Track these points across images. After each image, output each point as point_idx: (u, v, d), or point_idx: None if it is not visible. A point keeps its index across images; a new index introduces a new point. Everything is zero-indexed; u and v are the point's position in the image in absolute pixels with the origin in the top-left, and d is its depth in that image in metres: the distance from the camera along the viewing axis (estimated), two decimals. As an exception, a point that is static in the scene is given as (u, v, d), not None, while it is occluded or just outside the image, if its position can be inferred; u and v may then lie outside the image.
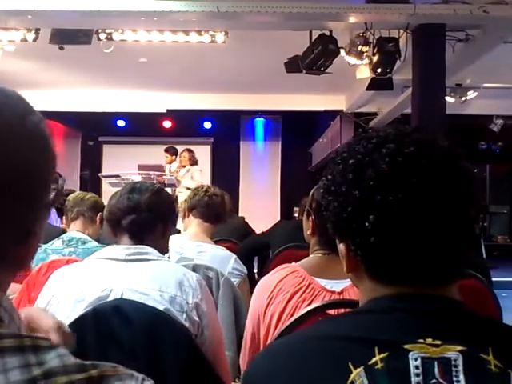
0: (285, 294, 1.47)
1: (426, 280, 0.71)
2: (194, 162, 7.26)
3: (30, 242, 0.57)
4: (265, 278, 1.57)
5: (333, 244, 1.60)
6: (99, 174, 7.58)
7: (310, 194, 1.67)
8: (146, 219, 1.59)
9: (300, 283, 1.48)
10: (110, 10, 4.56)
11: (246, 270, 2.68)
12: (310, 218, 1.62)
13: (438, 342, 0.64)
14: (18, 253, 0.56)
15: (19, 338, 0.50)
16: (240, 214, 7.32)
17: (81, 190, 6.75)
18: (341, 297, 1.47)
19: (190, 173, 7.07)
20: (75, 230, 2.70)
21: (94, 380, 0.49)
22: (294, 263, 1.58)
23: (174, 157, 7.48)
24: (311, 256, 1.60)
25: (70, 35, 5.02)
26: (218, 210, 2.68)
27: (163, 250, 1.65)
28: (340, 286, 1.49)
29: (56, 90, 8.23)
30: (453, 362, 0.63)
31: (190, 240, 2.60)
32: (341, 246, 0.77)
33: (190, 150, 7.35)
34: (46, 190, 0.57)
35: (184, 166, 7.18)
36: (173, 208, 1.77)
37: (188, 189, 6.05)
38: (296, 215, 6.68)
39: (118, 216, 1.61)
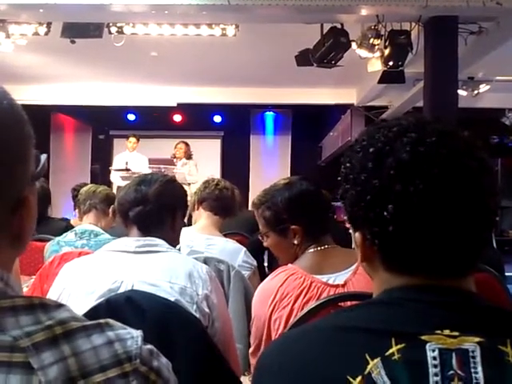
0: (289, 297, 1.46)
1: (444, 271, 0.70)
2: (189, 155, 7.23)
3: (25, 211, 0.61)
4: (263, 285, 1.57)
5: (323, 236, 1.60)
6: (110, 168, 7.61)
7: (269, 210, 1.64)
8: (153, 211, 1.59)
9: (302, 284, 1.48)
10: (121, 3, 4.57)
11: (255, 263, 2.69)
12: (292, 228, 1.60)
13: (456, 334, 0.64)
14: (15, 221, 0.60)
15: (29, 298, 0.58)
16: (250, 208, 7.32)
17: (92, 183, 6.78)
18: (345, 289, 1.47)
19: (188, 167, 7.06)
20: (88, 223, 2.72)
21: (102, 324, 0.60)
22: (289, 265, 1.57)
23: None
24: (305, 254, 1.60)
25: (81, 29, 5.03)
26: (228, 204, 2.69)
27: (173, 241, 1.65)
28: (342, 278, 1.49)
29: (67, 84, 8.26)
30: (470, 354, 0.63)
31: (200, 233, 2.60)
32: (356, 235, 0.76)
33: (186, 143, 7.31)
34: (26, 162, 0.61)
35: (180, 158, 7.13)
36: (183, 200, 1.76)
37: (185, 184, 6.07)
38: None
39: (126, 207, 1.61)
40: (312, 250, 1.58)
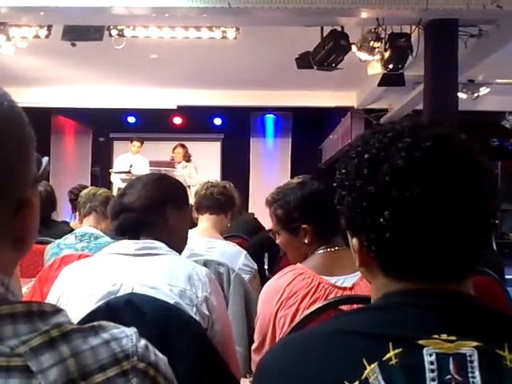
0: (296, 296, 1.46)
1: (441, 276, 0.70)
2: (188, 158, 7.21)
3: (27, 212, 0.61)
4: (271, 283, 1.57)
5: (333, 237, 1.60)
6: (110, 170, 7.61)
7: (281, 209, 1.64)
8: (131, 219, 1.55)
9: (309, 284, 1.48)
10: (121, 6, 4.58)
11: (256, 266, 2.69)
12: (302, 227, 1.60)
13: (453, 338, 0.64)
14: (17, 223, 0.60)
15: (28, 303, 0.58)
16: (250, 211, 7.32)
17: (92, 186, 6.77)
18: (352, 292, 1.46)
19: (188, 169, 7.06)
20: (88, 226, 2.73)
21: (95, 327, 0.60)
22: (298, 264, 1.58)
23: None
24: (315, 254, 1.60)
25: (81, 32, 5.04)
26: (219, 199, 2.70)
27: (176, 244, 1.60)
28: (350, 280, 1.49)
29: (67, 87, 8.27)
30: (468, 358, 0.63)
31: (200, 236, 2.61)
32: (354, 241, 0.76)
33: (183, 146, 7.28)
34: (28, 163, 0.62)
35: (179, 162, 7.13)
36: (174, 192, 1.66)
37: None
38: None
39: (112, 216, 1.61)
40: (322, 250, 1.58)
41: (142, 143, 7.50)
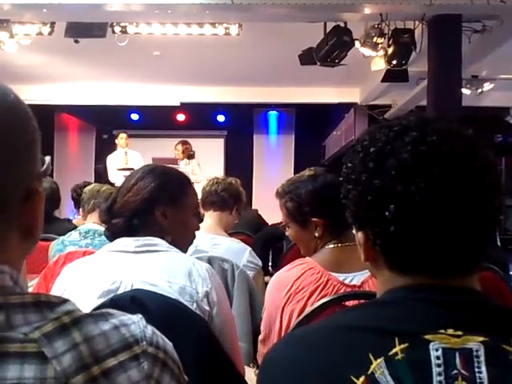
0: (304, 292, 1.46)
1: (447, 271, 0.70)
2: (189, 155, 7.13)
3: (37, 200, 0.62)
4: (280, 275, 1.56)
5: (344, 232, 1.58)
6: (117, 169, 7.61)
7: (292, 202, 1.62)
8: (123, 225, 1.53)
9: (318, 280, 1.47)
10: (124, 3, 4.58)
11: (260, 263, 2.69)
12: (313, 221, 1.59)
13: (460, 333, 0.64)
14: (26, 212, 0.60)
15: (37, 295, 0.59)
16: (253, 207, 7.32)
17: (95, 183, 6.74)
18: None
19: (191, 166, 7.03)
20: (92, 222, 2.73)
21: (104, 313, 0.61)
22: (308, 258, 1.57)
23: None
24: (324, 248, 1.59)
25: (84, 28, 5.04)
26: (223, 196, 2.70)
27: (179, 240, 1.57)
28: (359, 278, 1.48)
29: (71, 84, 8.28)
30: (474, 353, 0.62)
31: (205, 232, 2.61)
32: (359, 235, 0.76)
33: (184, 143, 7.18)
34: (34, 155, 0.63)
35: (181, 159, 7.10)
36: (165, 188, 1.57)
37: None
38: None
39: (103, 222, 1.59)
40: (332, 245, 1.57)
41: (128, 136, 7.53)
